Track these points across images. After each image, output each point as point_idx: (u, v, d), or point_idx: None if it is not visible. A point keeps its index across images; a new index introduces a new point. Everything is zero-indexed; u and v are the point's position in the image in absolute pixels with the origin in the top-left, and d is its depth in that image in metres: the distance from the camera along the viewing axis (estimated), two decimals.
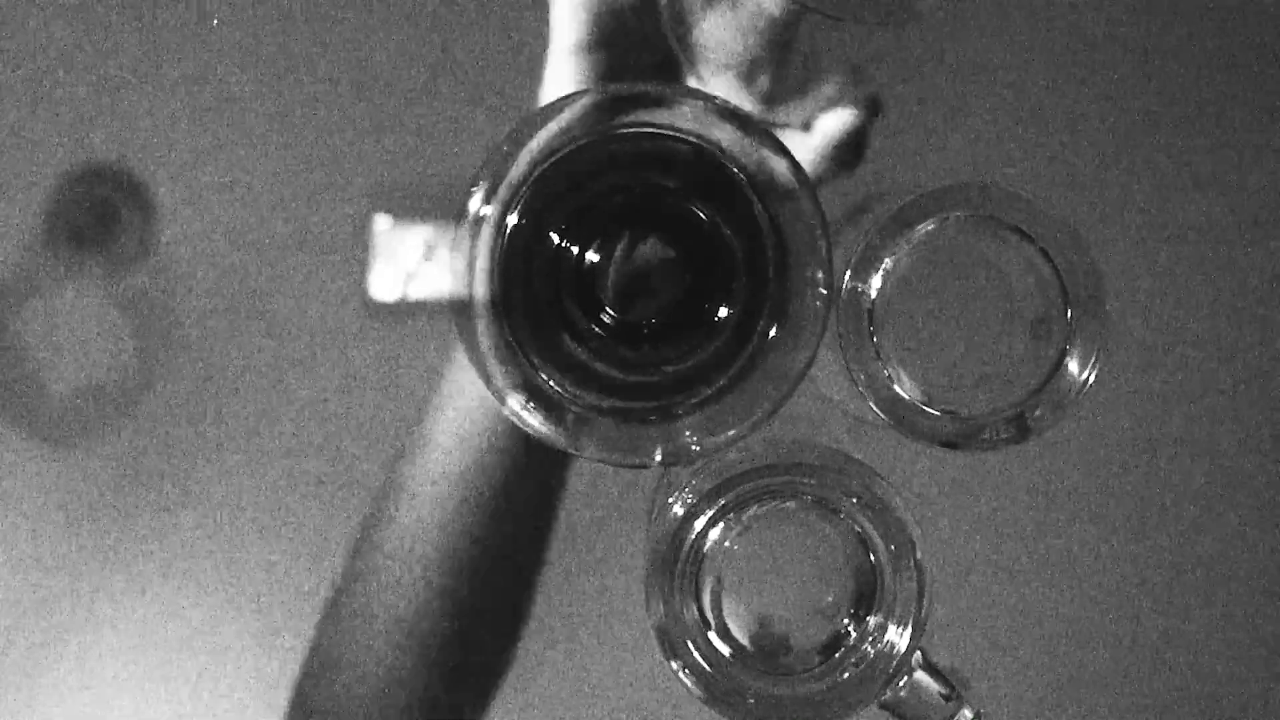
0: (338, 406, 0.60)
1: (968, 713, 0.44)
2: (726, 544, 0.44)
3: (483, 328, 0.43)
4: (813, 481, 0.43)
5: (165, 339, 0.63)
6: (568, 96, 0.44)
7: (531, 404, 0.43)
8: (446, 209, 0.63)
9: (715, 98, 0.44)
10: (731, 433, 0.43)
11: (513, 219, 0.43)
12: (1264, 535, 0.63)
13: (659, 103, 0.43)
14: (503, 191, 0.43)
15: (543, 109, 0.43)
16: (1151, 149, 0.62)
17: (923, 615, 0.43)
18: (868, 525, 0.43)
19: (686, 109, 0.43)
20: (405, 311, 0.63)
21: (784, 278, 0.43)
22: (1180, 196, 0.62)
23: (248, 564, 0.64)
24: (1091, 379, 0.43)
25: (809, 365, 0.43)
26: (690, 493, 0.43)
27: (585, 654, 0.46)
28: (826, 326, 0.43)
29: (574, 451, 0.43)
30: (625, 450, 0.43)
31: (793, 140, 0.53)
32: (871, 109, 0.53)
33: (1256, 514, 0.63)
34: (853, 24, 0.44)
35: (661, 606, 0.43)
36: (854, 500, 0.43)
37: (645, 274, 0.44)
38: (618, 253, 0.43)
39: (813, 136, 0.53)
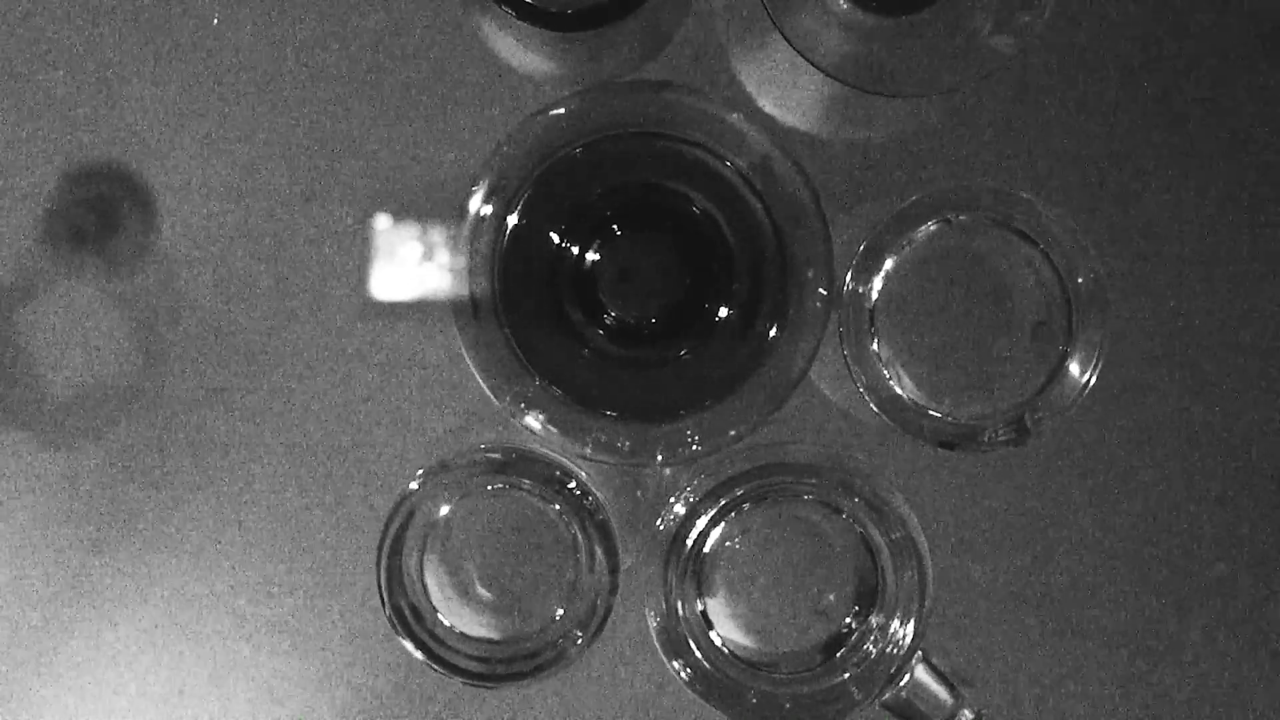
0: (337, 406, 0.60)
1: (968, 713, 0.44)
2: (728, 544, 0.44)
3: (483, 327, 0.43)
4: (814, 481, 0.43)
5: (165, 338, 0.63)
6: (567, 96, 0.44)
7: (531, 403, 0.43)
8: (446, 209, 0.63)
9: (715, 96, 0.44)
10: (731, 433, 0.43)
11: (513, 219, 0.43)
12: (1269, 538, 0.63)
13: (659, 102, 0.43)
14: (503, 191, 0.43)
15: (543, 109, 0.44)
16: (1151, 149, 0.62)
17: (924, 615, 0.43)
18: (869, 525, 0.43)
19: (687, 108, 0.43)
20: (405, 311, 0.63)
21: (784, 278, 0.43)
22: (1181, 197, 0.62)
23: (247, 563, 0.64)
24: (1093, 381, 0.43)
25: (809, 365, 0.43)
26: (691, 492, 0.43)
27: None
28: (827, 327, 0.43)
29: (574, 451, 0.43)
30: (625, 450, 0.43)
31: None
32: None
33: (1261, 516, 0.63)
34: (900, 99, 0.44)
35: (662, 606, 0.43)
36: (855, 500, 0.43)
37: (645, 274, 0.43)
38: (618, 253, 0.43)
39: None
